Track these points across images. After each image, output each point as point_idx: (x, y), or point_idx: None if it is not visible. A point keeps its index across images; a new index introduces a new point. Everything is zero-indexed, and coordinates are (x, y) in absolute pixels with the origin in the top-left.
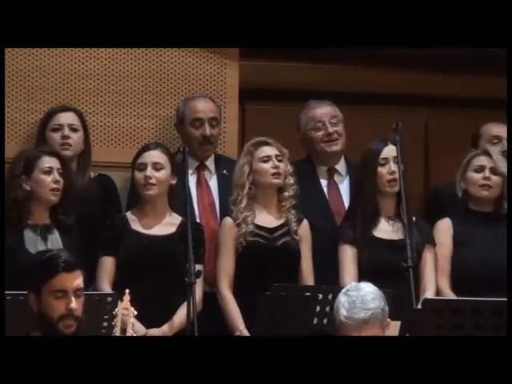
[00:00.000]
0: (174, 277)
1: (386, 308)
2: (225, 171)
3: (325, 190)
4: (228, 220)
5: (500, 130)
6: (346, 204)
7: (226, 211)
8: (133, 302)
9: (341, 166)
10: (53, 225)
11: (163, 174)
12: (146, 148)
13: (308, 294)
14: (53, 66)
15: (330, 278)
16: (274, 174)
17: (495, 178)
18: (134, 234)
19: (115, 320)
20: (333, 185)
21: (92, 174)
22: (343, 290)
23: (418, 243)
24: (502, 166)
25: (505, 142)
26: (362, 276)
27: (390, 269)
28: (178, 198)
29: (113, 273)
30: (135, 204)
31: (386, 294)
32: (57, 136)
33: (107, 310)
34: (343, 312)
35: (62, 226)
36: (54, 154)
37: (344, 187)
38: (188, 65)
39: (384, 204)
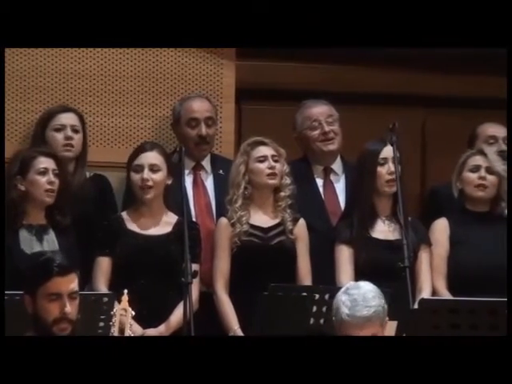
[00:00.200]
0: (170, 277)
1: (386, 306)
2: (221, 171)
3: (320, 189)
4: (223, 220)
5: (496, 130)
6: (342, 204)
7: (222, 211)
8: (129, 302)
9: (337, 166)
10: (48, 225)
11: (160, 176)
12: (142, 149)
13: (304, 294)
14: (49, 65)
15: (325, 278)
16: (269, 175)
17: (491, 178)
18: (129, 234)
19: (113, 320)
20: (329, 184)
21: (88, 174)
22: (342, 289)
23: (413, 243)
24: (498, 166)
25: (501, 142)
26: (359, 276)
27: (387, 269)
28: (173, 197)
29: (109, 273)
30: (131, 204)
31: (383, 294)
32: (59, 136)
33: (104, 310)
34: (345, 310)
35: (58, 227)
36: (50, 154)
37: (340, 187)
38: (184, 65)
39: (380, 204)
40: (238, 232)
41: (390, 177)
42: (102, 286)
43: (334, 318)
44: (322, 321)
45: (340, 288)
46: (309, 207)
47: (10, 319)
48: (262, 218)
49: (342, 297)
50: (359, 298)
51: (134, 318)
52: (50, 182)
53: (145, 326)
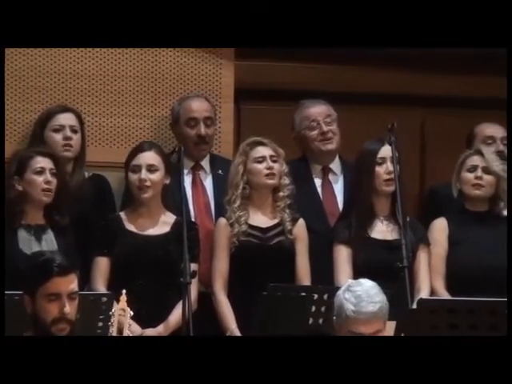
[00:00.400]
0: (168, 277)
1: (388, 303)
2: (220, 171)
3: (319, 189)
4: (222, 220)
5: (494, 130)
6: (340, 204)
7: (221, 211)
8: (128, 302)
9: (335, 165)
10: (47, 225)
11: (158, 176)
12: (139, 149)
13: (303, 294)
14: (48, 65)
15: (324, 278)
16: (267, 175)
17: (488, 178)
18: (128, 234)
19: (112, 320)
20: (327, 184)
21: (86, 174)
22: (343, 287)
23: (412, 243)
24: (496, 166)
25: (499, 142)
26: (357, 276)
27: (385, 269)
28: (171, 197)
29: (107, 273)
30: (129, 204)
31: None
32: (58, 137)
33: (102, 310)
34: (350, 307)
35: (57, 227)
36: (47, 154)
37: (338, 186)
38: (183, 65)
39: (379, 204)
40: (236, 232)
41: (387, 176)
42: (100, 286)
43: (335, 318)
44: (320, 321)
45: (339, 288)
46: (307, 208)
47: (9, 319)
48: (260, 218)
49: (344, 294)
50: (363, 295)
51: (132, 318)
52: (47, 182)
53: (143, 326)
